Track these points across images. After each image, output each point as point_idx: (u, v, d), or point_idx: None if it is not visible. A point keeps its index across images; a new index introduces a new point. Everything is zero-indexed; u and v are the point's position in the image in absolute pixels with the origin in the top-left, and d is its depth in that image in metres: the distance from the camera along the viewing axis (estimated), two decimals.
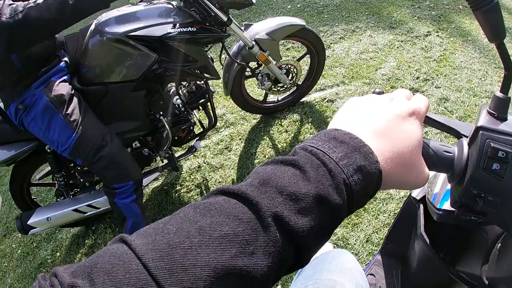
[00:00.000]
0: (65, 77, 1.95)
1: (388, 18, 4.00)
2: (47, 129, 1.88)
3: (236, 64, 2.48)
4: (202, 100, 2.48)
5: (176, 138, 2.46)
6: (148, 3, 2.05)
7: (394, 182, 0.49)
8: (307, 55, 2.86)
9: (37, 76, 1.87)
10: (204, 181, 2.68)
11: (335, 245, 2.09)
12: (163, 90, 2.23)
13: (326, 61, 2.94)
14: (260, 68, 2.61)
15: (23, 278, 2.52)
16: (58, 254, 2.58)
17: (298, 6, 4.41)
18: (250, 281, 0.36)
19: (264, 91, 2.85)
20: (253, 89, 3.24)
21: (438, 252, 0.97)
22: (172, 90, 2.32)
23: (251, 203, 0.39)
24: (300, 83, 2.94)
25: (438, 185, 0.93)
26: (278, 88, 2.74)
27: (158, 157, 2.45)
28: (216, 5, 2.05)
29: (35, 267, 2.55)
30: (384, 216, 2.17)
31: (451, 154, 0.61)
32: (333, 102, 3.02)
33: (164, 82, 2.21)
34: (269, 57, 2.43)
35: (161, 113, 2.26)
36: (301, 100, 3.07)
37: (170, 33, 1.96)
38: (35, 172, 2.48)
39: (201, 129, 2.62)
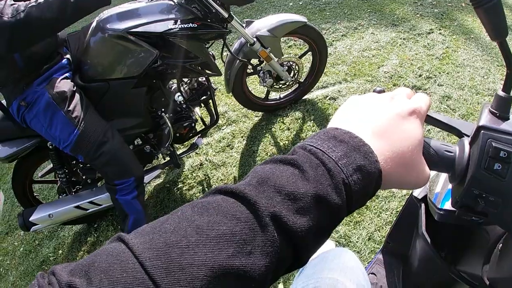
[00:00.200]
0: (67, 74, 1.96)
1: (391, 16, 3.98)
2: (49, 126, 1.89)
3: (237, 61, 2.48)
4: (204, 97, 2.48)
5: (177, 135, 2.46)
6: (149, 0, 2.05)
7: (394, 182, 0.48)
8: (308, 52, 2.85)
9: (39, 73, 1.88)
10: (206, 179, 2.68)
11: (337, 243, 2.09)
12: (165, 87, 2.23)
13: (328, 59, 2.93)
14: (261, 65, 2.61)
15: (26, 276, 2.53)
16: (60, 251, 2.59)
17: (300, 3, 4.40)
18: (247, 281, 0.36)
19: (266, 89, 2.84)
20: (255, 86, 3.24)
21: (439, 251, 0.97)
22: (173, 87, 2.32)
23: (249, 202, 0.39)
24: (302, 81, 2.94)
25: (440, 185, 0.92)
26: (280, 85, 2.73)
27: (160, 154, 2.45)
28: (217, 1, 2.05)
29: (37, 265, 2.56)
30: (386, 214, 2.17)
31: (452, 154, 0.61)
32: (335, 100, 3.02)
33: (166, 78, 2.21)
34: (271, 54, 2.43)
35: (163, 110, 2.26)
36: (303, 98, 3.06)
37: (171, 29, 1.96)
38: (37, 169, 2.49)
39: (203, 127, 2.62)
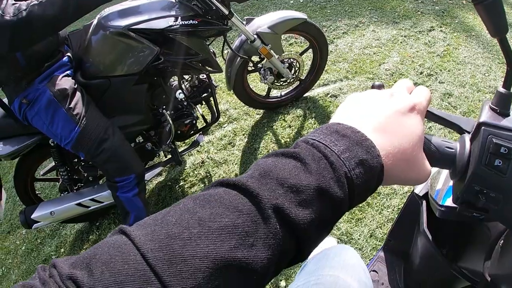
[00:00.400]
0: (68, 72, 1.96)
1: (392, 13, 3.98)
2: (50, 123, 1.90)
3: (238, 58, 2.48)
4: (205, 95, 2.48)
5: (179, 132, 2.46)
6: None
7: (396, 177, 0.49)
8: (309, 50, 2.85)
9: (41, 71, 1.89)
10: (208, 176, 2.68)
11: (338, 240, 2.09)
12: (166, 84, 2.23)
13: (329, 56, 2.92)
14: (262, 62, 2.60)
15: (28, 275, 2.53)
16: (62, 250, 2.60)
17: (301, 1, 4.40)
18: (249, 273, 0.36)
19: (267, 86, 2.84)
20: (256, 84, 3.24)
21: (441, 248, 0.98)
22: (174, 84, 2.32)
23: (251, 194, 0.39)
24: (303, 78, 2.94)
25: (441, 182, 0.92)
26: (281, 82, 2.73)
27: (161, 152, 2.45)
28: None
29: (39, 264, 2.54)
30: (388, 211, 2.17)
31: (453, 150, 0.61)
32: (337, 97, 3.01)
33: (167, 76, 2.22)
34: (271, 50, 2.42)
35: (164, 107, 2.27)
36: (304, 95, 3.06)
37: (172, 26, 1.96)
38: (39, 168, 2.49)
39: (204, 124, 2.62)
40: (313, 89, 3.08)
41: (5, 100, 1.96)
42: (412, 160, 0.49)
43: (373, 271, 1.48)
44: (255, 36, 2.34)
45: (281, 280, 2.00)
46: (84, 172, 2.33)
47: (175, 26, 1.97)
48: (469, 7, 4.04)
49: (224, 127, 3.00)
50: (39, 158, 2.35)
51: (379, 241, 2.05)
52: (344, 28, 3.82)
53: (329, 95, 3.04)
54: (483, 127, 0.58)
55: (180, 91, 2.26)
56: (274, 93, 3.02)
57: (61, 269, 0.34)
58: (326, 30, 3.78)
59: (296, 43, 3.69)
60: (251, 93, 2.80)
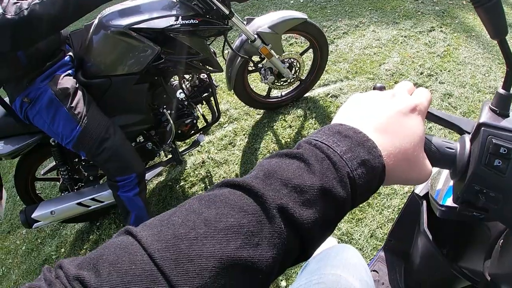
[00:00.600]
0: (69, 71, 1.97)
1: (392, 13, 3.98)
2: (51, 122, 1.90)
3: (239, 58, 2.48)
4: (206, 94, 2.48)
5: (179, 132, 2.46)
6: None
7: (397, 177, 0.49)
8: (310, 50, 2.85)
9: (42, 70, 1.89)
10: (208, 176, 2.68)
11: (339, 240, 2.10)
12: (166, 84, 2.24)
13: (329, 57, 2.93)
14: (263, 62, 2.61)
15: (28, 275, 2.53)
16: (62, 250, 2.60)
17: (301, 1, 4.40)
18: (254, 272, 0.37)
19: (267, 86, 2.84)
20: (257, 84, 3.24)
21: (441, 248, 0.98)
22: (175, 84, 2.33)
23: (256, 195, 0.39)
24: (303, 78, 2.94)
25: (441, 182, 0.93)
26: (281, 82, 2.73)
27: (162, 151, 2.45)
28: None
29: (39, 264, 2.56)
30: (389, 211, 2.17)
31: (453, 150, 0.61)
32: (337, 98, 3.02)
33: (167, 75, 2.22)
34: (272, 50, 2.43)
35: (165, 106, 2.27)
36: (304, 95, 3.06)
37: (172, 25, 1.96)
38: (40, 167, 2.49)
39: (205, 124, 2.62)
40: (313, 89, 3.09)
41: (6, 99, 1.96)
42: (413, 160, 0.50)
43: (374, 271, 1.48)
44: (256, 36, 2.34)
45: (281, 280, 2.00)
46: (85, 171, 2.33)
47: (175, 26, 1.97)
48: (469, 8, 4.04)
49: (225, 127, 3.00)
50: (40, 157, 2.35)
51: (380, 241, 2.05)
52: (345, 28, 3.82)
53: (329, 95, 3.04)
54: (483, 128, 0.59)
55: (180, 90, 2.26)
56: (275, 93, 3.03)
57: (67, 270, 0.34)
58: (326, 30, 3.78)
59: (296, 43, 3.70)
60: (251, 93, 2.80)
